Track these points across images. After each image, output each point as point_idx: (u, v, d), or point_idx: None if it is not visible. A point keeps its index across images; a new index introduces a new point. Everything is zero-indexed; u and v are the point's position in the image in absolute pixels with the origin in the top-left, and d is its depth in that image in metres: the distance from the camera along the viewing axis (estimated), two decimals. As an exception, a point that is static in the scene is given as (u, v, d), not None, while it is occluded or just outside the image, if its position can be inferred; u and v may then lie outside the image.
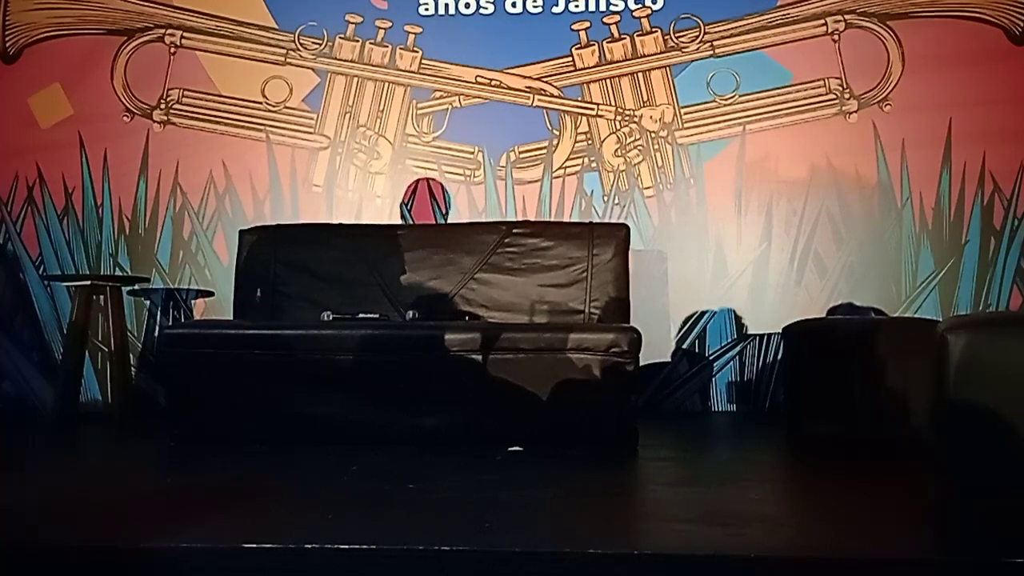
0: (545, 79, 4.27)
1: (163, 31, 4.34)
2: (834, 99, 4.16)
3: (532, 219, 4.16)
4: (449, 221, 4.22)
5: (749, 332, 4.15)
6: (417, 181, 4.28)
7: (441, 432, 2.93)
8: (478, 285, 3.69)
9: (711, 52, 4.22)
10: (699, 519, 1.83)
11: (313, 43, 4.33)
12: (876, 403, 2.95)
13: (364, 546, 1.56)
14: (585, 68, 4.27)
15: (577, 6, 4.26)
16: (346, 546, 1.56)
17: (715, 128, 4.21)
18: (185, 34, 4.34)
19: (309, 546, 1.56)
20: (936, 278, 4.09)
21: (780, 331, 3.63)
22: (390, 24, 4.32)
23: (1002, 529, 1.73)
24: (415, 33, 4.31)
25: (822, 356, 3.23)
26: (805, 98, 4.18)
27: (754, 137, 4.19)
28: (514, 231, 3.77)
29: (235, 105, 4.33)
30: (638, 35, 4.25)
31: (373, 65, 4.33)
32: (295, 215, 4.27)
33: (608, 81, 4.26)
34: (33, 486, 2.30)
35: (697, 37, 4.23)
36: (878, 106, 4.14)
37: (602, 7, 4.25)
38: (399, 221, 4.22)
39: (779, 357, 4.03)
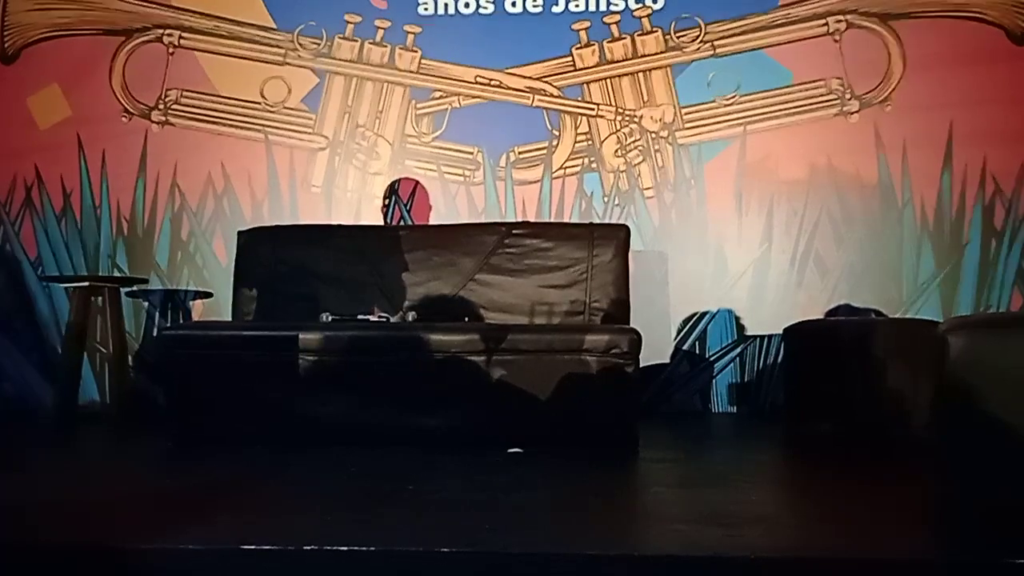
0: (545, 79, 4.26)
1: (161, 31, 4.34)
2: (835, 99, 4.16)
3: (532, 220, 4.16)
4: (450, 222, 4.21)
5: (750, 333, 4.14)
6: (399, 181, 4.27)
7: (441, 433, 2.92)
8: (478, 286, 3.69)
9: (712, 52, 4.22)
10: (700, 520, 1.83)
11: (312, 43, 4.33)
12: (876, 404, 2.95)
13: (364, 547, 1.55)
14: (585, 68, 4.26)
15: (577, 6, 4.26)
16: (345, 547, 1.55)
17: (715, 128, 4.21)
18: (183, 34, 4.34)
19: (308, 547, 1.55)
20: (937, 279, 4.09)
21: (781, 332, 3.63)
22: (389, 24, 4.32)
23: (1002, 529, 1.73)
24: (414, 33, 4.30)
25: (823, 357, 3.23)
26: (806, 98, 4.17)
27: (755, 137, 4.19)
28: (514, 232, 3.77)
29: (234, 105, 4.33)
30: (638, 35, 4.25)
31: (372, 65, 4.33)
32: (294, 216, 4.27)
33: (608, 81, 4.26)
34: (32, 486, 2.29)
35: (698, 37, 4.23)
36: (879, 106, 4.14)
37: (602, 7, 4.25)
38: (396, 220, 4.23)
39: (780, 358, 4.02)
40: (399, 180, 4.28)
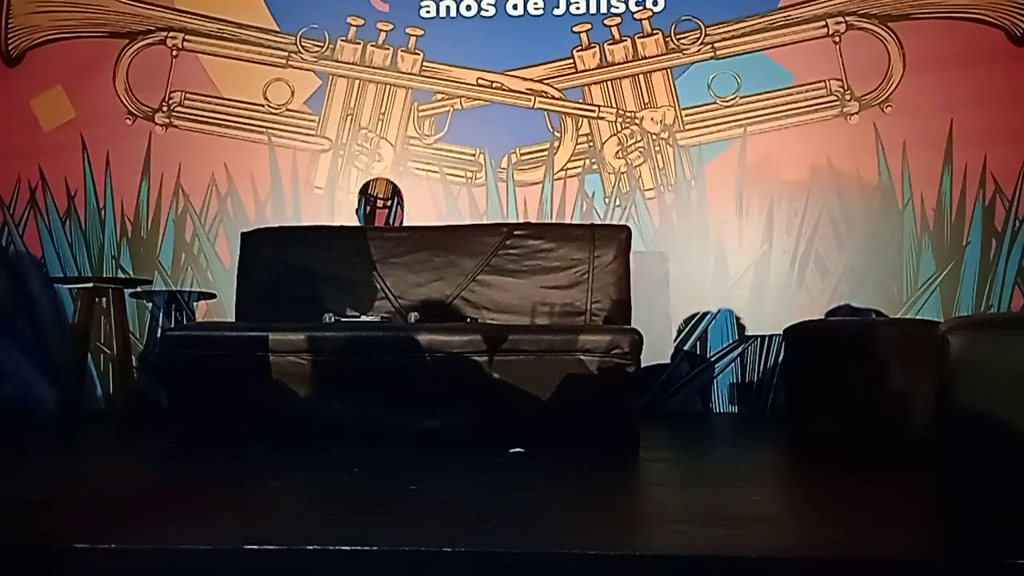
0: (546, 81, 4.27)
1: (165, 34, 4.35)
2: (835, 100, 4.17)
3: (533, 221, 4.16)
4: (451, 223, 4.21)
5: (750, 333, 4.15)
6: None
7: (442, 433, 2.93)
8: (479, 287, 3.69)
9: (712, 54, 4.23)
10: (700, 520, 1.83)
11: (315, 46, 4.34)
12: (876, 404, 2.95)
13: (365, 547, 1.56)
14: (586, 70, 4.27)
15: (578, 8, 4.26)
16: (348, 547, 1.56)
17: (716, 130, 4.22)
18: (187, 37, 4.35)
19: (311, 547, 1.56)
20: (937, 279, 4.09)
21: (781, 332, 3.63)
22: (391, 26, 4.33)
23: (1002, 529, 1.73)
24: (416, 35, 4.31)
25: (823, 357, 3.23)
26: (806, 99, 4.18)
27: (755, 139, 4.19)
28: (515, 233, 3.77)
29: (237, 107, 4.34)
30: (639, 37, 4.26)
31: (374, 67, 4.34)
32: (297, 217, 4.28)
33: (609, 83, 4.26)
34: (34, 486, 2.30)
35: (698, 39, 4.23)
36: (879, 107, 4.15)
37: (603, 9, 4.26)
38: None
39: (780, 358, 4.03)
40: (371, 182, 4.21)
